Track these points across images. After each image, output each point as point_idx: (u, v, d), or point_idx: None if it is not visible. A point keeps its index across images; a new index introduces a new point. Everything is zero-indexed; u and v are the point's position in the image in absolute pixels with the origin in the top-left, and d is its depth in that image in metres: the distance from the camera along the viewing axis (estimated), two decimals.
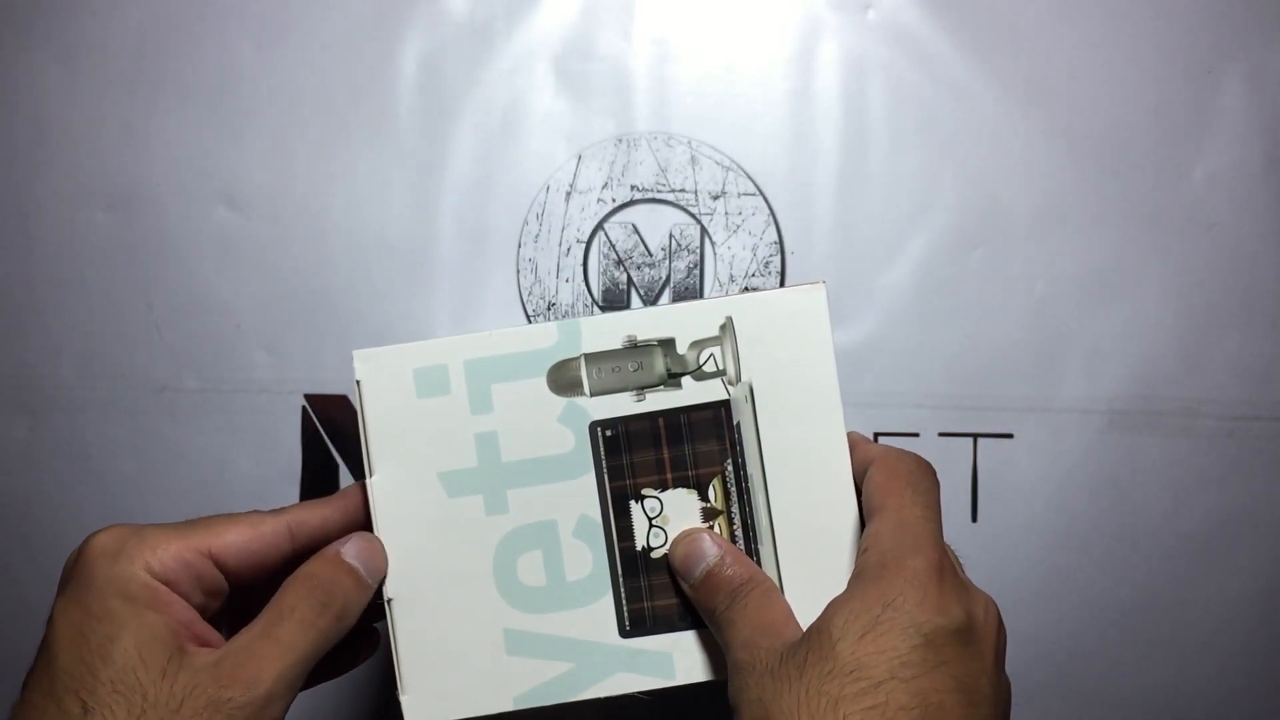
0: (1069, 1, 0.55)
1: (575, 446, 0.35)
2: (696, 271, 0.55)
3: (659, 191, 0.55)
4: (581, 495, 0.36)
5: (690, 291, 0.55)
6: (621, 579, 0.36)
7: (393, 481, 0.35)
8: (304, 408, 0.55)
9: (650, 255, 0.55)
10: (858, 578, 0.31)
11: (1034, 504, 0.55)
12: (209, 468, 0.56)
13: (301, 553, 0.35)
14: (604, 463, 0.35)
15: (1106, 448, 0.55)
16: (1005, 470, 0.55)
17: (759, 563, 0.35)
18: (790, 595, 0.34)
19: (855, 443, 0.35)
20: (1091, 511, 0.55)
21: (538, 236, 0.55)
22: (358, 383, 0.35)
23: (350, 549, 0.34)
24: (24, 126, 0.56)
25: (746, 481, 0.36)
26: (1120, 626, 0.55)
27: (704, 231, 0.55)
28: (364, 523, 0.36)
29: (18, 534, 0.56)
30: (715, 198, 0.55)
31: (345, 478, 0.56)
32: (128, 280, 0.55)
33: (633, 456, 0.36)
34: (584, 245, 0.55)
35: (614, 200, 0.55)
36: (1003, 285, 0.55)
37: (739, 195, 0.55)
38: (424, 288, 0.55)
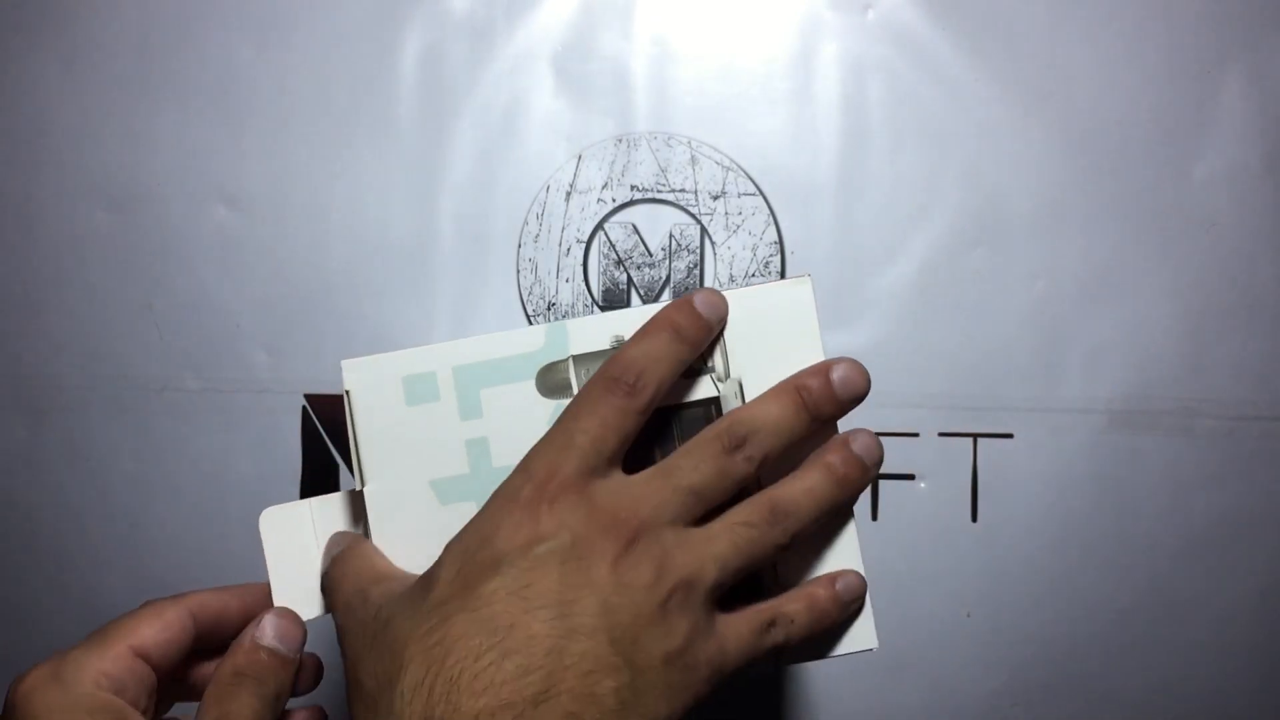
0: (1069, 1, 0.55)
1: None
2: (696, 271, 0.55)
3: (659, 191, 0.55)
4: None
5: (690, 291, 0.55)
6: None
7: (386, 491, 0.35)
8: (304, 408, 0.56)
9: (650, 255, 0.55)
10: (486, 504, 0.32)
11: (1034, 504, 0.55)
12: (209, 468, 0.56)
13: (203, 634, 0.35)
14: None
15: (1106, 448, 0.55)
16: (1005, 470, 0.55)
17: None
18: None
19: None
20: (1091, 511, 0.55)
21: (538, 236, 0.55)
22: (347, 392, 0.35)
23: (266, 632, 0.34)
24: (24, 126, 0.56)
25: None
26: (1120, 627, 0.55)
27: (704, 231, 0.55)
28: (264, 608, 0.35)
29: (18, 534, 0.56)
30: (715, 198, 0.55)
31: (345, 478, 0.56)
32: (128, 280, 0.55)
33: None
34: (584, 245, 0.55)
35: (614, 200, 0.55)
36: (1003, 285, 0.55)
37: (739, 195, 0.55)
38: (424, 288, 0.55)
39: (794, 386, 0.34)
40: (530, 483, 0.31)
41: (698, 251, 0.55)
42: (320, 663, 0.36)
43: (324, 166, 0.55)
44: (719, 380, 0.35)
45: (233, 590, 0.36)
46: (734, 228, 0.55)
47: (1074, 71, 0.55)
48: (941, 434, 0.55)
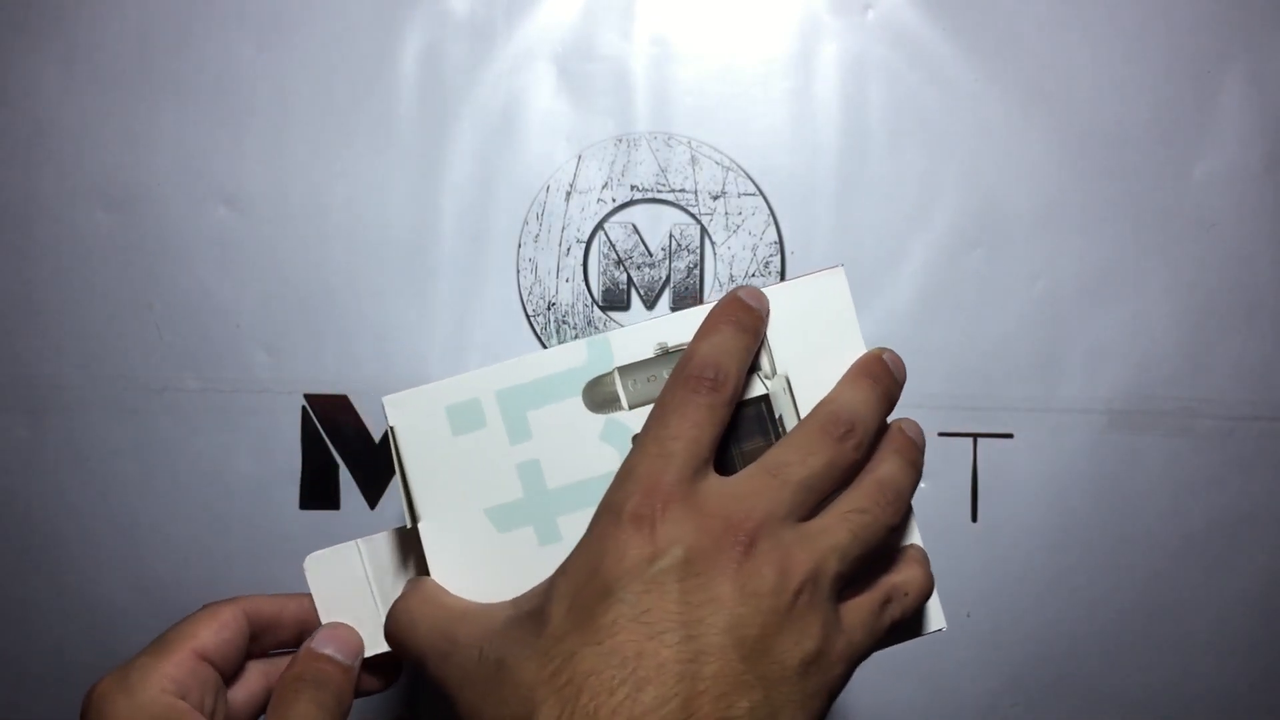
0: (1069, 2, 0.55)
1: (620, 463, 0.34)
2: (696, 271, 0.55)
3: (659, 191, 0.55)
4: None
5: (690, 291, 0.55)
6: None
7: (441, 525, 0.34)
8: (304, 408, 0.56)
9: (650, 255, 0.55)
10: (585, 535, 0.31)
11: (1034, 504, 0.55)
12: (209, 468, 0.56)
13: (258, 634, 0.36)
14: None
15: (1106, 448, 0.55)
16: (1005, 470, 0.55)
17: None
18: None
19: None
20: (1091, 511, 0.55)
21: (538, 236, 0.55)
22: (391, 429, 0.34)
23: (322, 641, 0.34)
24: (24, 126, 0.56)
25: None
26: (1120, 626, 0.55)
27: (704, 231, 0.55)
28: (314, 621, 0.36)
29: (18, 534, 0.56)
30: (715, 198, 0.55)
31: (345, 478, 0.56)
32: (128, 280, 0.55)
33: None
34: (584, 245, 0.55)
35: (614, 200, 0.55)
36: (1003, 285, 0.55)
37: (739, 195, 0.55)
38: (424, 288, 0.55)
39: (864, 374, 0.34)
40: (631, 500, 0.29)
41: (698, 251, 0.55)
42: (389, 669, 0.37)
43: (324, 166, 0.55)
44: (766, 378, 0.35)
45: (289, 596, 0.37)
46: (734, 228, 0.55)
47: (1074, 71, 0.55)
48: (941, 434, 0.55)
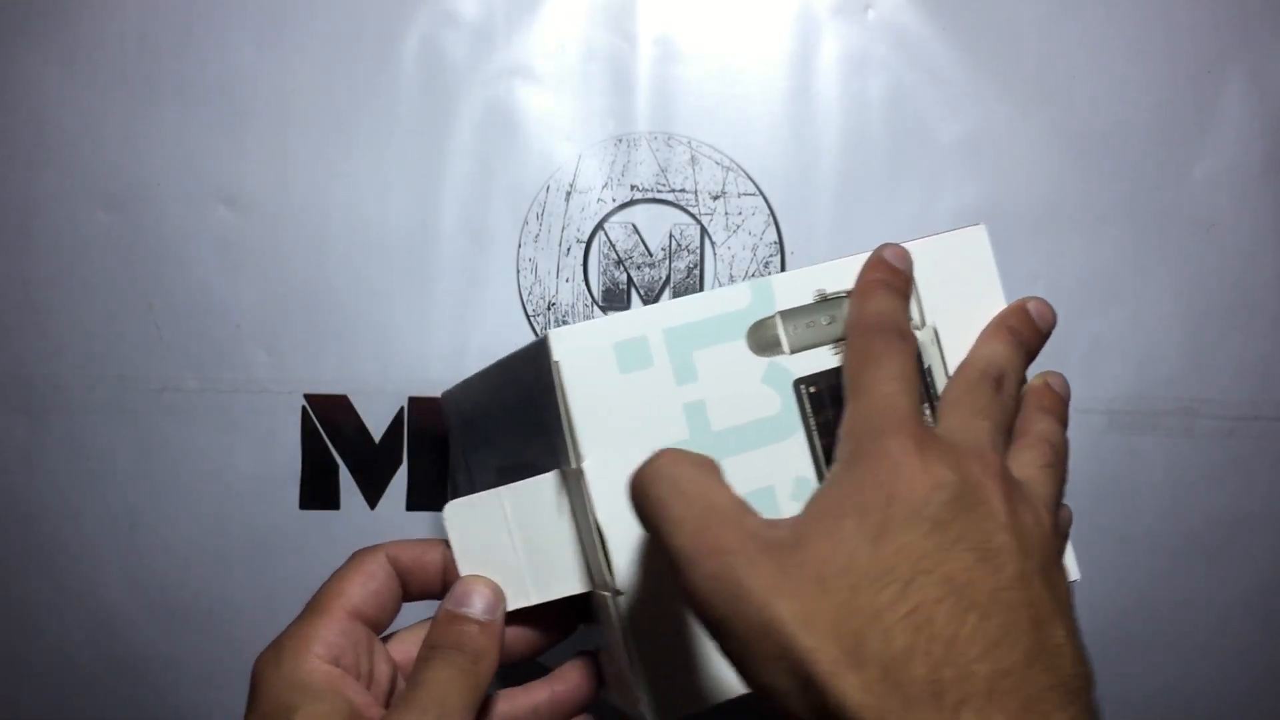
0: (1069, 1, 0.55)
1: (781, 407, 0.34)
2: (696, 272, 0.55)
3: (659, 191, 0.55)
4: (794, 457, 0.34)
5: (690, 292, 0.55)
6: None
7: (606, 465, 0.32)
8: (304, 408, 0.56)
9: (650, 255, 0.55)
10: (844, 472, 0.29)
11: None
12: (209, 468, 0.56)
13: (404, 580, 0.35)
14: (812, 420, 0.34)
15: (1106, 448, 0.55)
16: None
17: None
18: None
19: None
20: (1091, 511, 0.55)
21: (538, 236, 0.55)
22: (556, 363, 0.32)
23: (458, 598, 0.34)
24: (24, 126, 0.56)
25: None
26: (1120, 626, 0.55)
27: (704, 231, 0.55)
28: (451, 570, 0.35)
29: (18, 534, 0.56)
30: (715, 198, 0.55)
31: (345, 478, 0.56)
32: (128, 280, 0.55)
33: (839, 411, 0.33)
34: (584, 245, 0.55)
35: (614, 200, 0.55)
36: (1002, 285, 0.55)
37: (739, 195, 0.55)
38: (424, 288, 0.55)
39: (1004, 326, 0.35)
40: (888, 435, 0.29)
41: (698, 251, 0.55)
42: (548, 624, 0.36)
43: (324, 166, 0.55)
44: (916, 328, 0.35)
45: (429, 543, 0.36)
46: (734, 228, 0.55)
47: (1074, 71, 0.55)
48: None
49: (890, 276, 0.34)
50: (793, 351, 0.34)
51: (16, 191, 0.56)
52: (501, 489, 0.35)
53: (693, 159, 0.55)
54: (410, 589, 0.36)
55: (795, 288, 0.34)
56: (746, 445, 0.33)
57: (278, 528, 0.56)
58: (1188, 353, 0.55)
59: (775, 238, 0.55)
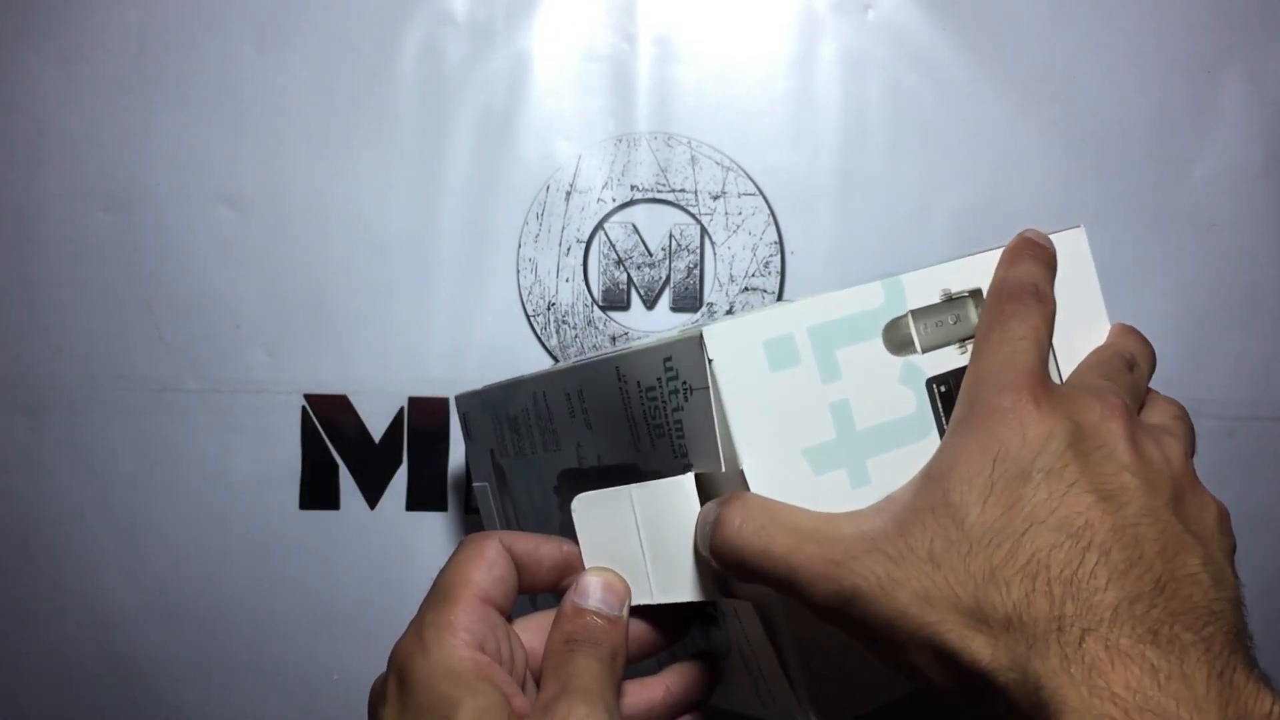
0: (1069, 1, 0.55)
1: (917, 406, 0.34)
2: (696, 272, 0.55)
3: (659, 191, 0.55)
4: (930, 456, 0.33)
5: (690, 292, 0.55)
6: None
7: (763, 466, 0.32)
8: (304, 408, 0.55)
9: (650, 255, 0.55)
10: (951, 438, 0.30)
11: None
12: (209, 468, 0.56)
13: (519, 569, 0.35)
14: (944, 419, 0.34)
15: None
16: None
17: None
18: None
19: None
20: None
21: (538, 236, 0.55)
22: (710, 362, 0.32)
23: (588, 594, 0.33)
24: (24, 126, 0.56)
25: None
26: None
27: (704, 231, 0.55)
28: (571, 566, 0.35)
29: (18, 534, 0.56)
30: (715, 198, 0.55)
31: (345, 478, 0.56)
32: (128, 280, 0.55)
33: None
34: (584, 245, 0.55)
35: (614, 200, 0.55)
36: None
37: (739, 195, 0.55)
38: (424, 288, 0.55)
39: (1134, 331, 0.36)
40: (1005, 391, 0.29)
41: (697, 251, 0.55)
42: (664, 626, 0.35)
43: (324, 166, 0.55)
44: None
45: (543, 537, 0.35)
46: (734, 228, 0.55)
47: (1074, 71, 0.55)
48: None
49: (1037, 250, 0.34)
50: (924, 350, 0.34)
51: (16, 191, 0.56)
52: (632, 486, 0.34)
53: (693, 159, 0.55)
54: (522, 581, 0.35)
55: (924, 287, 0.34)
56: (887, 445, 0.33)
57: (278, 528, 0.56)
58: (1188, 353, 0.55)
59: (775, 237, 0.55)
